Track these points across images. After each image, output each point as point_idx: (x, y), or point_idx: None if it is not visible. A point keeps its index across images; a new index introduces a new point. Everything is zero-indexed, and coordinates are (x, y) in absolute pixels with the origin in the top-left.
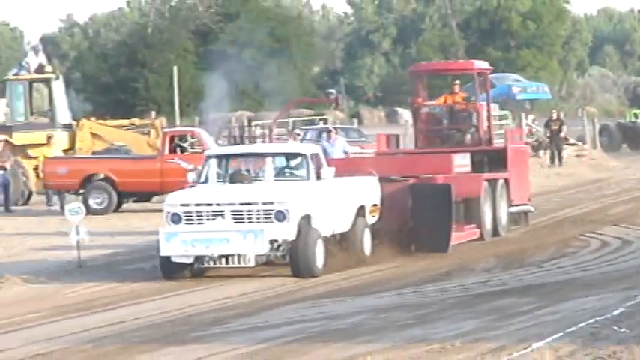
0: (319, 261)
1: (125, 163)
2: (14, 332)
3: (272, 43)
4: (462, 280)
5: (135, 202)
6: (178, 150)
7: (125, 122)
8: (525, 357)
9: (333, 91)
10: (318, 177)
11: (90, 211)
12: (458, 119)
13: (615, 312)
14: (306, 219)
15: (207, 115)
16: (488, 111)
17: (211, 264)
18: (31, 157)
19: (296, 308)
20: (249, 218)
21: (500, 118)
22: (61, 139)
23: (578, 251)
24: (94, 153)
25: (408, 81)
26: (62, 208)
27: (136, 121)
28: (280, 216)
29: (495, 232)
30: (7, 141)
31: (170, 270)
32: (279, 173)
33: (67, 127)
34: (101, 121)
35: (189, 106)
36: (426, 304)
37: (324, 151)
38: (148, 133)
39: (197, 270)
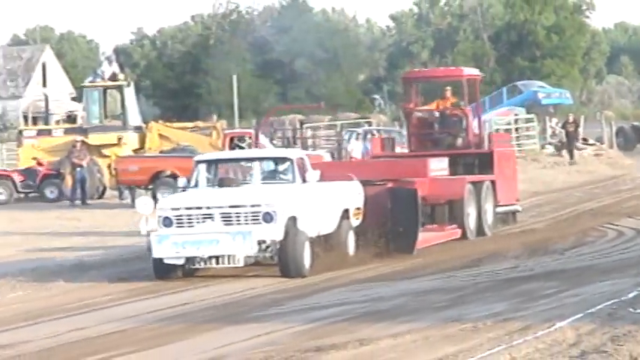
0: (307, 261)
1: (190, 161)
2: (89, 313)
3: (322, 54)
4: (493, 267)
5: None
6: (238, 149)
7: (190, 124)
8: (549, 335)
9: (377, 96)
10: (304, 180)
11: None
12: (448, 124)
13: (630, 295)
14: (293, 220)
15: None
16: (479, 116)
17: (202, 265)
18: (104, 156)
19: (343, 291)
20: (238, 220)
21: (527, 120)
22: (131, 139)
23: (596, 240)
24: (161, 152)
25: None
26: (133, 201)
27: (200, 123)
28: (268, 217)
29: (481, 231)
30: (83, 141)
31: (162, 271)
32: (267, 177)
33: (138, 129)
34: (168, 124)
35: (246, 110)
36: (460, 288)
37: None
38: (210, 134)
39: (188, 270)
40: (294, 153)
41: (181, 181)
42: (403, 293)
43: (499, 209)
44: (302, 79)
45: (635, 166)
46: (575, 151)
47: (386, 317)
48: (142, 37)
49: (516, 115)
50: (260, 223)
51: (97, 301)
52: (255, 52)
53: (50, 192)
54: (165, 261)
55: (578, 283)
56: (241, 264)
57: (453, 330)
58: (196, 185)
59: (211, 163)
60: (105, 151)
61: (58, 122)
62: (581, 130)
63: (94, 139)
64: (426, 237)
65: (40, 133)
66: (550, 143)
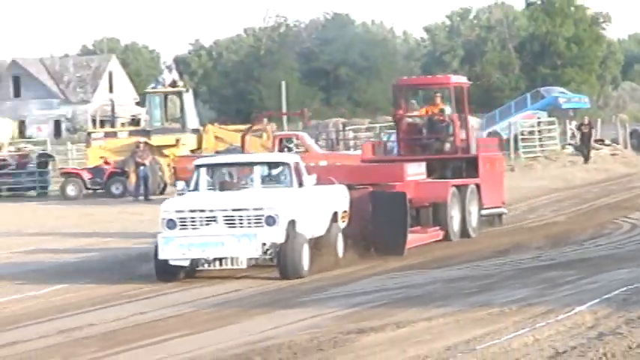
0: (305, 263)
1: None
2: (149, 299)
3: (362, 62)
4: (518, 256)
5: None
6: (286, 149)
7: (242, 127)
8: (569, 319)
9: (414, 101)
10: (301, 184)
11: None
12: (436, 129)
13: None
14: (292, 223)
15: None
16: (466, 121)
17: (206, 266)
18: (165, 156)
19: (380, 279)
20: (241, 223)
21: (549, 123)
22: (189, 140)
23: (612, 232)
24: (216, 152)
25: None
26: None
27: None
28: (270, 220)
29: (465, 233)
30: (146, 142)
31: (165, 273)
32: (265, 181)
33: (195, 131)
34: (223, 126)
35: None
36: (488, 276)
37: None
38: (261, 136)
39: (190, 272)
40: (291, 158)
41: (180, 185)
42: (435, 280)
43: (484, 212)
44: (344, 85)
45: None
46: (592, 151)
47: (420, 302)
48: (199, 47)
49: (539, 118)
50: (263, 226)
51: (155, 289)
52: (302, 62)
53: (116, 188)
54: (171, 262)
55: (596, 271)
56: (244, 266)
57: (482, 314)
58: (197, 189)
59: (211, 167)
60: (165, 151)
61: (123, 125)
62: (594, 131)
63: (155, 140)
64: (410, 239)
65: (106, 135)
66: (570, 144)
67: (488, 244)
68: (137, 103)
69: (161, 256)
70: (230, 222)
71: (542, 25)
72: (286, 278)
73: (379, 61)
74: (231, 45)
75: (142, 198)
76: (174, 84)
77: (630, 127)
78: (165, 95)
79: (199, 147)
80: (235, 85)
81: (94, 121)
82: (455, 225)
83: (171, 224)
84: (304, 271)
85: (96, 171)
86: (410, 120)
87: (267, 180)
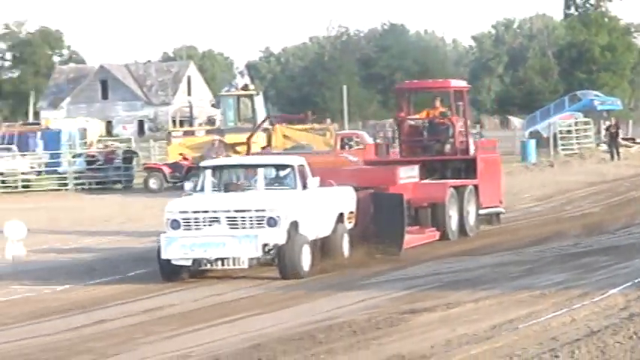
0: (305, 264)
1: (308, 157)
2: (222, 283)
3: (416, 68)
4: (557, 244)
5: None
6: (347, 147)
7: (308, 127)
8: (603, 301)
9: (461, 103)
10: (304, 186)
11: None
12: (436, 131)
13: None
14: (294, 225)
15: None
16: (466, 124)
17: (208, 266)
18: (237, 152)
19: (433, 264)
20: (243, 224)
21: (585, 123)
22: (260, 139)
23: None
24: (285, 149)
25: (519, 95)
26: None
27: (316, 125)
28: (272, 222)
29: (463, 232)
30: (220, 140)
31: (169, 272)
32: (270, 182)
33: (265, 130)
34: (290, 126)
35: (354, 115)
36: (530, 262)
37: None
38: (324, 135)
39: (194, 272)
40: (296, 160)
41: (188, 186)
42: (483, 266)
43: (482, 211)
44: None
45: None
46: (621, 149)
47: (468, 285)
48: (269, 54)
49: (576, 118)
50: (264, 227)
51: (227, 273)
52: (361, 67)
53: None
54: (174, 262)
55: (628, 257)
56: (246, 266)
57: (524, 296)
58: (202, 190)
59: (217, 169)
60: (238, 148)
61: (200, 124)
62: (620, 131)
63: (229, 138)
64: (407, 239)
65: (185, 133)
66: (604, 142)
67: (532, 233)
68: (213, 105)
69: (164, 256)
70: (232, 223)
71: (578, 35)
72: (285, 278)
73: (431, 66)
74: (297, 52)
75: None
76: (246, 87)
77: None
78: (238, 98)
79: (269, 144)
80: (301, 89)
81: (173, 121)
82: (453, 224)
83: (175, 224)
84: (304, 271)
85: (175, 166)
86: (411, 122)
87: (272, 182)
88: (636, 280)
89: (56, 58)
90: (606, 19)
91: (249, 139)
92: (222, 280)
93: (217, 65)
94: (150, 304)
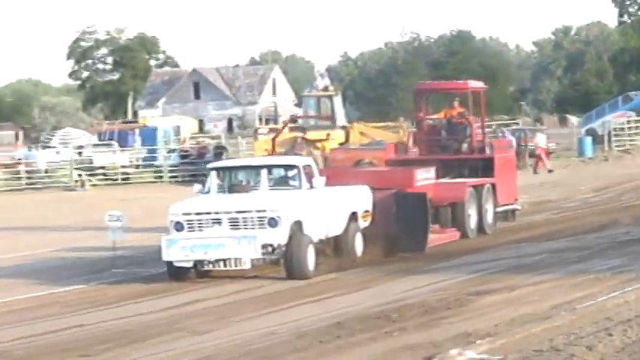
0: (310, 264)
1: (383, 152)
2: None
3: (481, 71)
4: (613, 231)
5: None
6: None
7: (382, 124)
8: None
9: (523, 103)
10: (311, 186)
11: None
12: (454, 131)
13: None
14: (298, 224)
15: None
16: (482, 124)
17: (210, 267)
18: (318, 148)
19: (496, 250)
20: (245, 225)
21: (637, 122)
22: (339, 135)
23: None
24: (361, 145)
25: (560, 97)
26: None
27: (390, 123)
28: (273, 222)
29: (481, 230)
30: (303, 137)
31: (175, 273)
32: (275, 183)
33: (343, 127)
34: (366, 124)
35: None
36: (586, 248)
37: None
38: (398, 131)
39: (200, 272)
40: (301, 160)
41: (197, 187)
42: (543, 251)
43: (499, 209)
44: None
45: None
46: None
47: (529, 269)
48: (347, 58)
49: (629, 117)
50: (265, 227)
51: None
52: (431, 70)
53: None
54: (175, 264)
55: None
56: (248, 266)
57: (580, 279)
58: (208, 191)
59: (222, 170)
60: (318, 144)
61: (284, 122)
62: None
63: (311, 135)
64: (429, 238)
65: (270, 130)
66: None
67: (589, 221)
68: (295, 105)
69: (165, 257)
70: (234, 224)
71: (631, 40)
72: (292, 278)
73: (496, 70)
74: (373, 56)
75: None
76: (326, 89)
77: None
78: (319, 98)
79: (347, 141)
80: (376, 90)
81: (260, 119)
82: (472, 223)
83: (178, 226)
84: (309, 271)
85: None
86: (430, 122)
87: (277, 182)
88: None
89: (153, 62)
90: None
91: (273, 139)
92: None
93: (299, 68)
94: (239, 286)
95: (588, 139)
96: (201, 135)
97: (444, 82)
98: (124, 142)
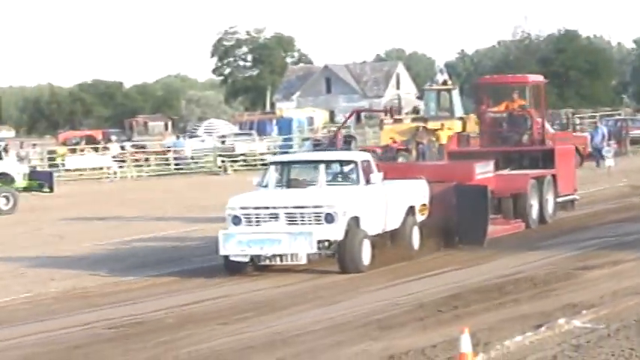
0: (365, 259)
1: None
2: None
3: (586, 66)
4: None
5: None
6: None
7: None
8: None
9: (624, 95)
10: (368, 181)
11: None
12: (515, 123)
13: None
14: (355, 220)
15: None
16: (542, 117)
17: (267, 262)
18: (438, 136)
19: (599, 229)
20: (302, 220)
21: None
22: (456, 125)
23: None
24: (477, 133)
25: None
26: None
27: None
28: (329, 218)
29: (542, 220)
30: (424, 127)
31: (232, 267)
32: (334, 178)
33: (460, 118)
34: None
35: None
36: None
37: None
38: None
39: (257, 266)
40: (360, 156)
41: (255, 180)
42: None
43: (560, 199)
44: (573, 84)
45: None
46: None
47: (630, 247)
48: (464, 55)
49: None
50: (322, 223)
51: None
52: (541, 66)
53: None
54: (232, 258)
55: None
56: (304, 261)
57: None
58: (267, 185)
59: (281, 165)
60: (437, 133)
61: (407, 114)
62: None
63: (431, 125)
64: (492, 229)
65: (395, 121)
66: None
67: None
68: (417, 97)
69: (222, 252)
70: (291, 219)
71: None
72: (345, 272)
73: (599, 65)
74: (487, 53)
75: None
76: (445, 83)
77: None
78: (438, 91)
79: (464, 130)
80: None
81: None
82: (534, 213)
83: (236, 220)
84: (364, 265)
85: (386, 148)
86: (491, 115)
87: (335, 178)
88: None
89: (289, 59)
90: None
91: (337, 132)
92: None
93: (421, 64)
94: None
95: None
96: (332, 125)
97: (504, 76)
98: (262, 131)
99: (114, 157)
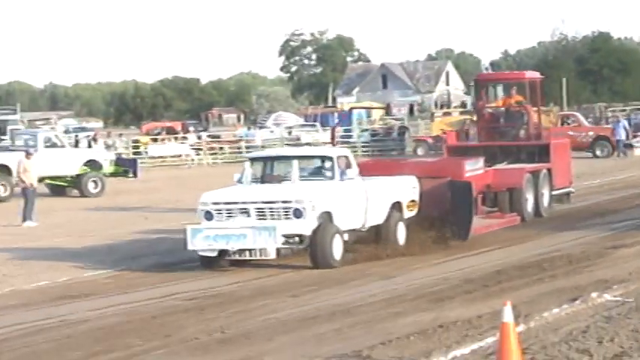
0: (337, 254)
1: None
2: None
3: (618, 65)
4: None
5: None
6: (565, 124)
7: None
8: None
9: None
10: (343, 177)
11: None
12: (512, 118)
13: None
14: (327, 215)
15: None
16: (539, 112)
17: (236, 257)
18: None
19: (631, 211)
20: (271, 215)
21: None
22: None
23: None
24: None
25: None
26: None
27: (542, 108)
28: (297, 213)
29: (537, 213)
30: (471, 119)
31: (205, 262)
32: (310, 174)
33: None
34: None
35: (571, 100)
36: None
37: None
38: (549, 115)
39: (233, 261)
40: (336, 151)
41: (235, 176)
42: None
43: (555, 192)
44: (606, 81)
45: None
46: None
47: None
48: (507, 55)
49: None
50: (291, 218)
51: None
52: (577, 65)
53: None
54: (200, 253)
55: None
56: (273, 256)
57: None
58: (243, 181)
59: (257, 161)
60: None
61: (455, 107)
62: None
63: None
64: (488, 223)
65: (444, 114)
66: None
67: None
68: (465, 93)
69: (189, 247)
70: (261, 214)
71: None
72: (317, 267)
73: (630, 64)
74: (528, 53)
75: None
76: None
77: None
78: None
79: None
80: None
81: (435, 105)
82: (529, 207)
83: (208, 216)
84: (335, 260)
85: (437, 138)
86: (489, 110)
87: (311, 173)
88: None
89: (349, 58)
90: None
91: (333, 129)
92: None
93: (468, 63)
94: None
95: None
96: (388, 117)
97: (502, 72)
98: (325, 123)
99: (191, 145)
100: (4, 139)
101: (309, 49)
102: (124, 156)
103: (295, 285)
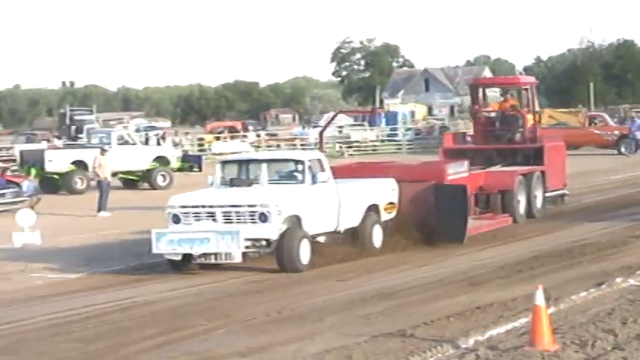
0: (304, 258)
1: (560, 131)
2: None
3: None
4: None
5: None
6: (593, 124)
7: (566, 110)
8: None
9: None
10: (314, 181)
11: None
12: (507, 122)
13: None
14: (295, 219)
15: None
16: (534, 116)
17: (201, 260)
18: None
19: None
20: (238, 219)
21: None
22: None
23: None
24: (550, 125)
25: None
26: None
27: (572, 109)
28: (263, 217)
29: (530, 215)
30: None
31: (173, 265)
32: (281, 177)
33: (536, 112)
34: (553, 110)
35: (598, 101)
36: None
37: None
38: (577, 115)
39: (202, 264)
40: (308, 155)
41: (210, 179)
42: None
43: (548, 194)
44: (630, 84)
45: None
46: None
47: None
48: (539, 61)
49: None
50: (256, 222)
51: None
52: (603, 70)
53: None
54: (165, 257)
55: None
56: (239, 260)
57: None
58: (213, 184)
59: (227, 164)
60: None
61: None
62: None
63: None
64: (479, 224)
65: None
66: None
67: None
68: (500, 95)
69: (154, 250)
70: (227, 218)
71: None
72: (284, 271)
73: None
74: (559, 59)
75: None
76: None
77: None
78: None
79: (539, 121)
80: (561, 84)
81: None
82: (521, 209)
83: (175, 219)
84: (302, 264)
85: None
86: (485, 114)
87: (281, 177)
88: None
89: (394, 64)
90: None
91: (321, 133)
92: None
93: (503, 68)
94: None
95: None
96: (430, 118)
97: (498, 77)
98: (373, 122)
99: (251, 143)
100: (81, 138)
101: (358, 55)
102: (190, 152)
103: (340, 270)
